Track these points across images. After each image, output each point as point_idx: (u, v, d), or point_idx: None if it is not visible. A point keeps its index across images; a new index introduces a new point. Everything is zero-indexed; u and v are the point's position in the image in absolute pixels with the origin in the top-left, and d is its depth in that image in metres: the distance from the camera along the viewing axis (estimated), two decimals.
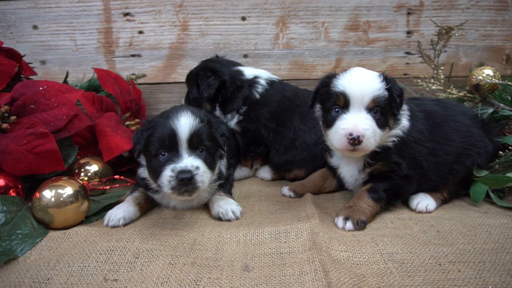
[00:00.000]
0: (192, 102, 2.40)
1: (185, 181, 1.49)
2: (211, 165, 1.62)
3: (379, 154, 1.68)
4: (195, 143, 1.56)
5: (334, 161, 1.89)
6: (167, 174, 1.51)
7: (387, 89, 1.60)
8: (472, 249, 1.35)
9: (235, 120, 2.33)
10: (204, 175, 1.55)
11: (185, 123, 1.55)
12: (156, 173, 1.57)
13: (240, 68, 2.39)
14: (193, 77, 2.34)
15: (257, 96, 2.28)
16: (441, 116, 1.81)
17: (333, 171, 1.93)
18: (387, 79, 1.63)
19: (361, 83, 1.59)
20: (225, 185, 1.87)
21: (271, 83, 2.33)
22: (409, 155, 1.69)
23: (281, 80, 2.43)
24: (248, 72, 2.36)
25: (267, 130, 2.27)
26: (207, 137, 1.60)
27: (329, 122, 1.64)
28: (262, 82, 2.31)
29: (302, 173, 2.21)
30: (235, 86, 2.29)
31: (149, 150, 1.60)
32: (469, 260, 1.28)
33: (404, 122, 1.69)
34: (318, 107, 1.82)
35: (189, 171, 1.50)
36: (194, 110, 1.66)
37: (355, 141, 1.52)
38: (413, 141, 1.69)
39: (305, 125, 2.22)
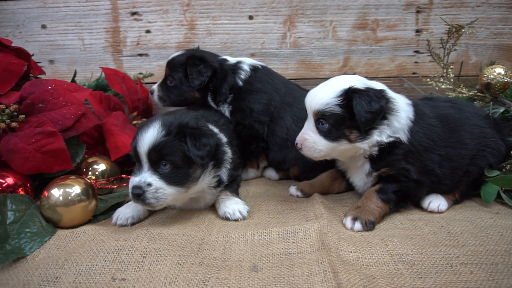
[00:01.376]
0: (173, 89, 2.30)
1: (135, 197, 1.49)
2: (179, 180, 1.54)
3: (380, 161, 1.67)
4: (154, 158, 1.50)
5: (340, 164, 1.89)
6: (129, 185, 1.52)
7: (344, 105, 1.58)
8: (484, 250, 1.33)
9: (226, 112, 2.28)
10: (159, 191, 1.49)
11: (147, 137, 1.50)
12: None
13: (224, 56, 2.36)
14: (180, 64, 2.25)
15: (240, 83, 2.23)
16: (455, 119, 1.78)
17: (343, 173, 1.92)
18: (348, 95, 1.58)
19: (311, 96, 1.70)
20: (231, 184, 1.85)
21: (254, 68, 2.27)
22: (419, 162, 1.67)
23: (265, 66, 2.36)
24: (232, 59, 2.33)
25: (261, 125, 2.22)
26: (171, 151, 1.50)
27: None
28: (245, 67, 2.26)
29: (296, 170, 2.19)
30: (223, 74, 2.25)
31: None
32: (481, 261, 1.26)
33: (376, 137, 1.61)
34: None
35: (139, 187, 1.48)
36: (169, 120, 1.56)
37: (297, 146, 1.73)
38: (423, 149, 1.67)
39: (297, 126, 2.14)
